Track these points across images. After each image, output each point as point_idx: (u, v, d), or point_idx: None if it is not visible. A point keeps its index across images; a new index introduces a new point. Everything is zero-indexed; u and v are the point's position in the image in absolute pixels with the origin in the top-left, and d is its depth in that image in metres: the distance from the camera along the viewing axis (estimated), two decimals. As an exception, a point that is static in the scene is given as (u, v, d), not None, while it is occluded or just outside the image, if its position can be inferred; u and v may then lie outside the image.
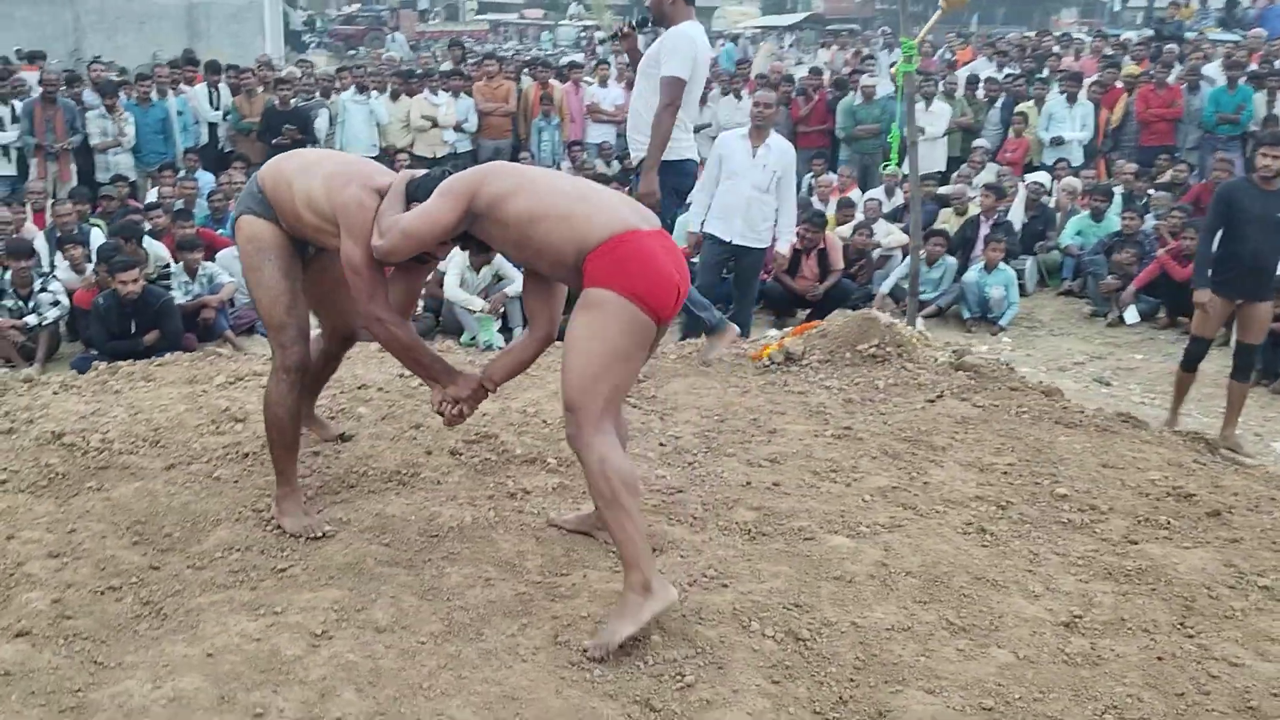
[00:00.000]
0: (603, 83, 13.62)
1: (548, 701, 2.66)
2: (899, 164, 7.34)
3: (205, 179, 10.58)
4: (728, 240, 7.03)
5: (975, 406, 4.96)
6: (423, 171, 3.26)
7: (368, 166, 3.45)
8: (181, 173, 10.11)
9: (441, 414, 3.33)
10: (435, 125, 12.27)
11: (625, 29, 5.89)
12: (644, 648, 2.93)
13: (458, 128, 12.40)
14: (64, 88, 10.34)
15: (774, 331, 6.75)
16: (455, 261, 8.23)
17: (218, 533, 3.44)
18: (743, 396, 5.01)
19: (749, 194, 6.79)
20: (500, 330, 8.28)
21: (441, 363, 3.34)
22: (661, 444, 4.38)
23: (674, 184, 5.66)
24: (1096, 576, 3.43)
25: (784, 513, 3.79)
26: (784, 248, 7.11)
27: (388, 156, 11.76)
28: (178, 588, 3.12)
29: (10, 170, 9.98)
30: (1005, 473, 4.21)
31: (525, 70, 13.44)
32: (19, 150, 9.99)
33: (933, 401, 5.01)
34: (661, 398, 4.99)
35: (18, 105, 10.06)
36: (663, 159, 5.49)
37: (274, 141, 11.22)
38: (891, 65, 6.47)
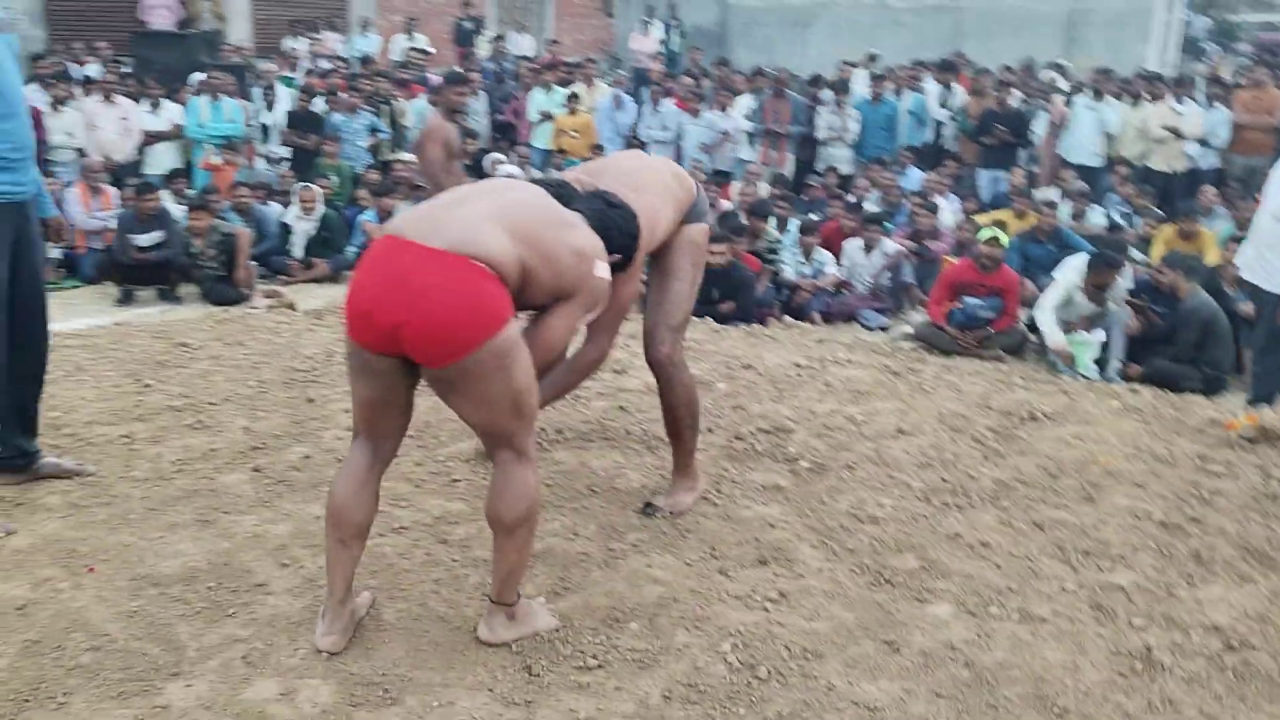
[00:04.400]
0: None
1: (450, 636, 2.91)
2: None
3: (913, 176, 11.11)
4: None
5: None
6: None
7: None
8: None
9: None
10: (1178, 136, 11.22)
11: None
12: (616, 629, 2.97)
13: (1203, 141, 11.20)
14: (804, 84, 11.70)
15: (1301, 403, 5.32)
16: (1062, 282, 7.70)
17: (470, 444, 4.12)
18: (1129, 461, 4.25)
19: (1264, 221, 5.51)
20: (1095, 361, 7.56)
21: None
22: (944, 479, 4.01)
23: None
24: (1212, 759, 2.50)
25: (944, 572, 3.33)
26: None
27: (1112, 169, 11.14)
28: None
29: (747, 155, 11.61)
30: (1312, 619, 3.10)
31: (1310, 77, 11.51)
32: (749, 135, 11.59)
33: (1401, 523, 3.75)
34: (1051, 436, 4.44)
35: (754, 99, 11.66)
36: None
37: (984, 141, 11.36)
38: None
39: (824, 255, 8.65)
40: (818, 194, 10.57)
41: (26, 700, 2.58)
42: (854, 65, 13.26)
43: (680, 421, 3.63)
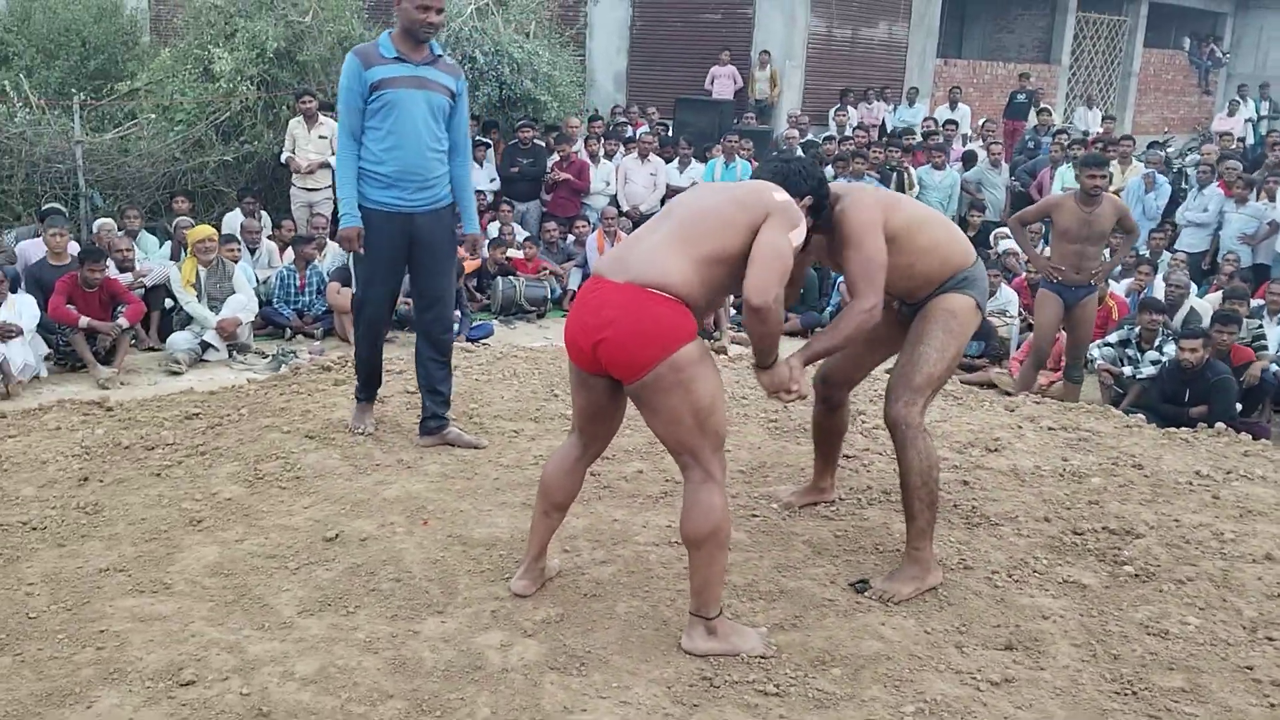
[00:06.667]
0: None
1: (661, 637, 3.21)
2: None
3: None
4: None
5: None
6: None
7: None
8: None
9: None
10: None
11: None
12: (817, 670, 3.09)
13: None
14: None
15: None
16: None
17: (786, 489, 4.37)
18: None
19: None
20: None
21: None
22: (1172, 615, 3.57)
23: None
24: None
25: (1205, 699, 3.03)
26: None
27: None
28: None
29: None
30: None
31: None
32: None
33: None
34: None
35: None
36: None
37: None
38: None
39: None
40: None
41: (328, 604, 3.31)
42: None
43: (913, 492, 3.50)
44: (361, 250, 4.49)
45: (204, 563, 3.52)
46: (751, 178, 3.25)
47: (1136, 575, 3.79)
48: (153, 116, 9.67)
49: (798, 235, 3.03)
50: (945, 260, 3.52)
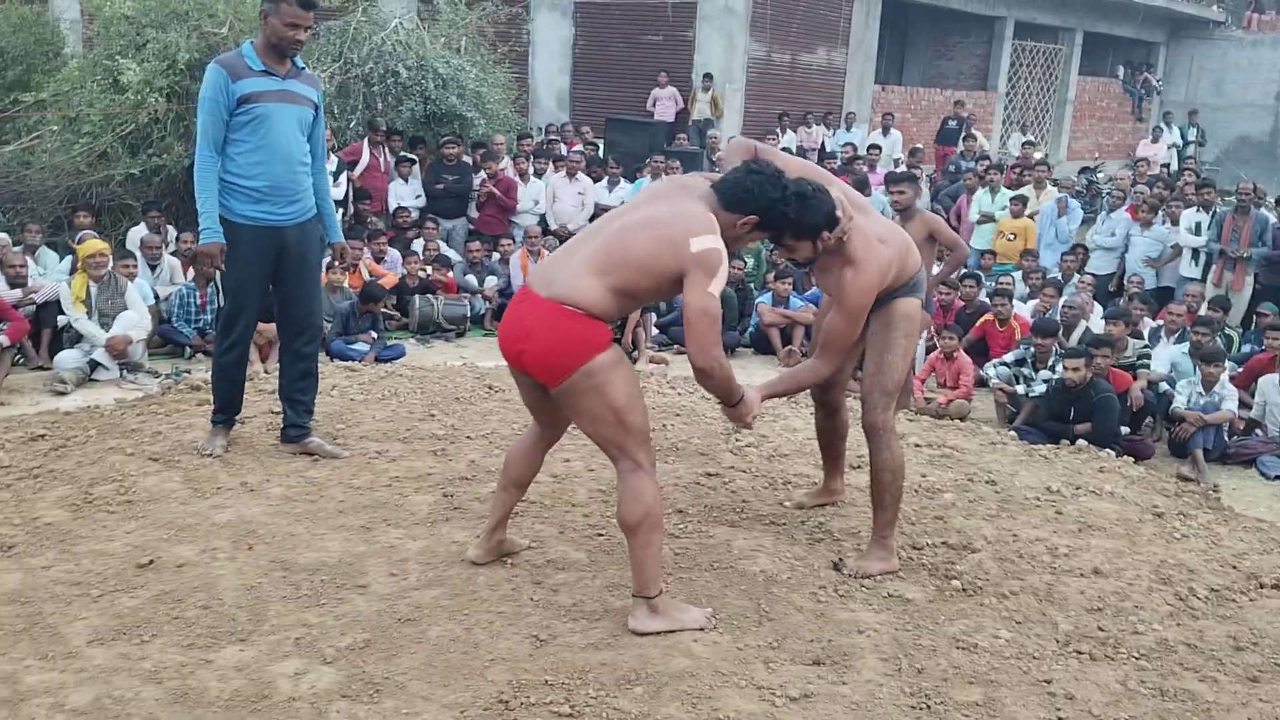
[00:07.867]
0: None
1: (468, 661, 3.12)
2: None
3: None
4: None
5: None
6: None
7: None
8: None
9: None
10: None
11: None
12: (620, 689, 3.02)
13: None
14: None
15: None
16: None
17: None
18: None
19: None
20: None
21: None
22: (1100, 628, 3.56)
23: None
24: None
25: (999, 713, 3.04)
26: None
27: None
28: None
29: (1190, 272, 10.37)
30: None
31: None
32: (1206, 255, 10.32)
33: None
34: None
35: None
36: None
37: None
38: None
39: (1228, 389, 7.59)
40: (1270, 322, 9.24)
41: (123, 633, 3.21)
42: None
43: (883, 488, 3.85)
44: (223, 267, 4.43)
45: (2, 590, 3.40)
46: (712, 186, 3.30)
47: (963, 589, 3.80)
48: (56, 129, 9.48)
49: (718, 283, 3.15)
50: (905, 268, 3.77)
